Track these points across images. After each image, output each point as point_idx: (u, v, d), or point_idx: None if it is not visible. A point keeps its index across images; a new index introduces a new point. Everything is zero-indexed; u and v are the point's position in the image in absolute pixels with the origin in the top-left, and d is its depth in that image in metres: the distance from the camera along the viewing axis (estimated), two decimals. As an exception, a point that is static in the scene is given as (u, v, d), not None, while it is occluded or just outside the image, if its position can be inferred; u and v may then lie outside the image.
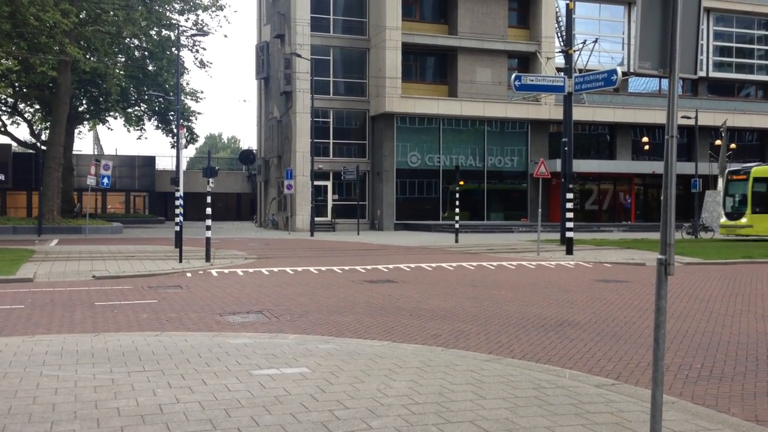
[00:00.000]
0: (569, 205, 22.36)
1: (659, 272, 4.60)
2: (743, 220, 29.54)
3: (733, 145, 41.70)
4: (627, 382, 6.50)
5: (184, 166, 27.95)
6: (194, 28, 40.79)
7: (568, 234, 21.94)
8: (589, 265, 18.72)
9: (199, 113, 46.49)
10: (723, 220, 30.83)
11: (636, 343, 8.35)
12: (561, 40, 36.24)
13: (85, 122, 47.75)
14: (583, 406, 5.55)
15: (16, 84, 38.72)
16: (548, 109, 39.74)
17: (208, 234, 19.00)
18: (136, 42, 41.02)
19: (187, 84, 45.83)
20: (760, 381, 6.64)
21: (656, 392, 4.62)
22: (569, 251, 21.52)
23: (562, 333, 9.02)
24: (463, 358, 7.34)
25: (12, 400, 5.61)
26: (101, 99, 42.56)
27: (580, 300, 12.07)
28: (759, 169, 30.23)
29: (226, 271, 16.99)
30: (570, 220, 22.11)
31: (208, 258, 18.71)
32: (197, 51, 42.76)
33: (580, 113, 36.89)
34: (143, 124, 46.17)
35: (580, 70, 28.77)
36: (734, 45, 45.32)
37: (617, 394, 5.97)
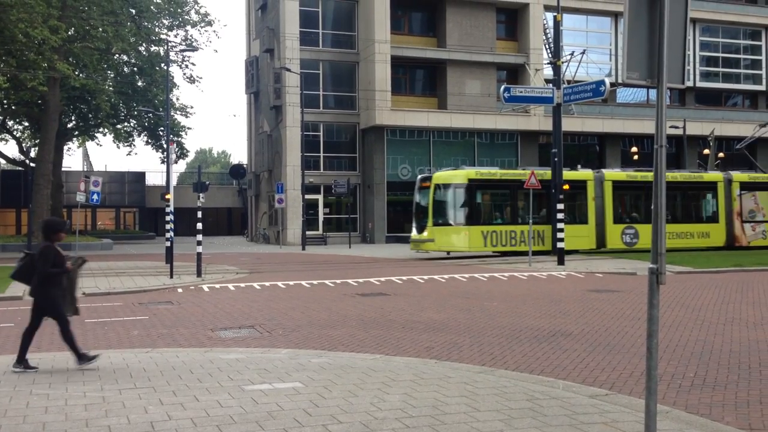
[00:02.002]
0: (560, 216, 22.43)
1: (651, 281, 4.61)
2: (425, 234, 25.96)
3: (721, 154, 41.99)
4: (621, 392, 6.49)
5: (174, 182, 27.89)
6: (183, 43, 40.80)
7: (560, 245, 21.99)
8: (581, 276, 18.75)
9: (189, 128, 46.44)
10: (413, 234, 26.93)
11: (629, 353, 8.36)
12: (549, 51, 36.47)
13: (75, 138, 47.59)
14: (578, 417, 5.54)
15: (5, 101, 38.59)
16: (537, 120, 39.93)
17: (199, 249, 18.92)
18: (126, 58, 40.98)
19: (177, 99, 45.80)
20: (753, 389, 6.64)
21: (650, 402, 4.61)
22: (561, 262, 21.56)
23: (555, 344, 9.01)
24: (457, 370, 7.32)
25: (2, 420, 5.55)
26: (90, 115, 42.47)
27: (573, 310, 12.08)
28: (440, 175, 26.79)
29: (217, 286, 16.92)
30: (561, 230, 22.16)
31: (199, 273, 18.62)
32: (186, 66, 42.75)
33: (569, 124, 37.07)
34: (133, 140, 46.06)
35: (569, 82, 28.91)
36: (721, 55, 45.74)
37: (611, 404, 5.96)
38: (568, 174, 26.85)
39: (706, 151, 40.05)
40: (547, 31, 39.18)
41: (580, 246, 26.90)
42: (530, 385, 6.63)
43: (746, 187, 29.38)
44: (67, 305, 7.53)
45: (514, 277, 18.27)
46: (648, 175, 27.60)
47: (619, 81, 37.15)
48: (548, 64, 35.71)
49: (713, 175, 29.64)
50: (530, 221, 22.79)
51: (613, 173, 28.58)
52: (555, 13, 24.22)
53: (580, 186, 27.23)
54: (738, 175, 29.68)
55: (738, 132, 44.27)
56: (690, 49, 43.21)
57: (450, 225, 25.96)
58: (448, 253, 26.87)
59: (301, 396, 6.18)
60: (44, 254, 7.29)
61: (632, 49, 4.59)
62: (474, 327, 10.39)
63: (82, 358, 7.39)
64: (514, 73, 41.59)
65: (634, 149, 42.62)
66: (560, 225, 22.26)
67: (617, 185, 27.78)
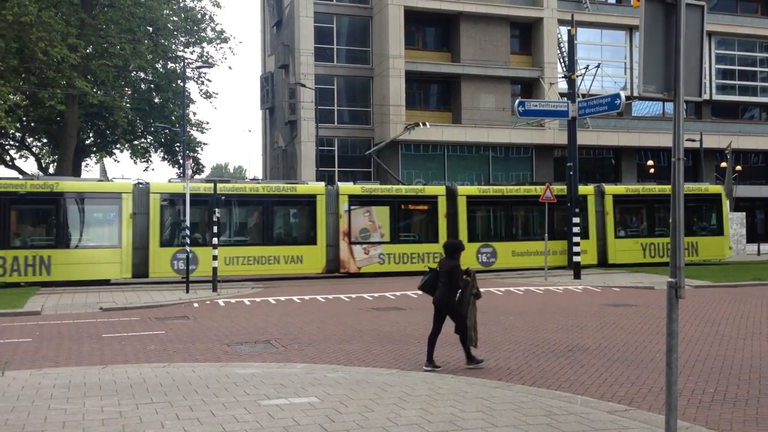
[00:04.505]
0: (576, 230, 22.31)
1: (670, 296, 4.57)
2: None
3: (738, 167, 41.68)
4: (640, 408, 6.42)
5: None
6: (199, 60, 41.20)
7: (576, 258, 21.86)
8: (598, 290, 18.62)
9: (205, 144, 46.81)
10: None
11: (648, 368, 8.27)
12: (563, 65, 36.45)
13: (92, 155, 48.06)
14: (596, 433, 5.48)
15: (24, 118, 39.08)
16: (552, 134, 39.84)
17: (215, 264, 19.00)
18: (143, 75, 41.41)
19: (194, 114, 46.12)
20: (774, 404, 6.55)
21: (670, 418, 4.56)
22: (577, 276, 21.41)
23: (572, 358, 8.94)
24: (473, 385, 7.28)
25: (20, 435, 5.57)
26: (108, 132, 42.89)
27: (590, 325, 11.98)
28: None
29: (233, 300, 16.95)
30: (577, 244, 22.03)
31: (215, 288, 18.68)
32: (202, 82, 43.11)
33: (584, 138, 36.95)
34: (149, 156, 46.44)
35: (584, 95, 28.83)
36: (737, 68, 45.51)
37: (630, 420, 5.90)
38: (165, 186, 22.72)
39: (724, 165, 39.76)
40: (562, 45, 39.19)
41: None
42: (548, 400, 6.57)
43: (357, 201, 24.19)
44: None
45: (529, 291, 18.17)
46: (258, 187, 23.40)
47: (635, 94, 37.03)
48: (563, 77, 35.64)
49: (313, 186, 24.40)
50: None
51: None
52: (569, 27, 24.23)
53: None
54: (346, 187, 24.63)
55: (756, 145, 44.00)
56: (706, 62, 43.05)
57: None
58: None
59: (317, 411, 6.16)
60: (455, 271, 8.59)
61: (648, 63, 4.59)
62: (490, 341, 10.33)
63: (472, 360, 8.54)
64: (529, 87, 41.59)
65: (651, 162, 42.40)
66: (576, 239, 22.13)
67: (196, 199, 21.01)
